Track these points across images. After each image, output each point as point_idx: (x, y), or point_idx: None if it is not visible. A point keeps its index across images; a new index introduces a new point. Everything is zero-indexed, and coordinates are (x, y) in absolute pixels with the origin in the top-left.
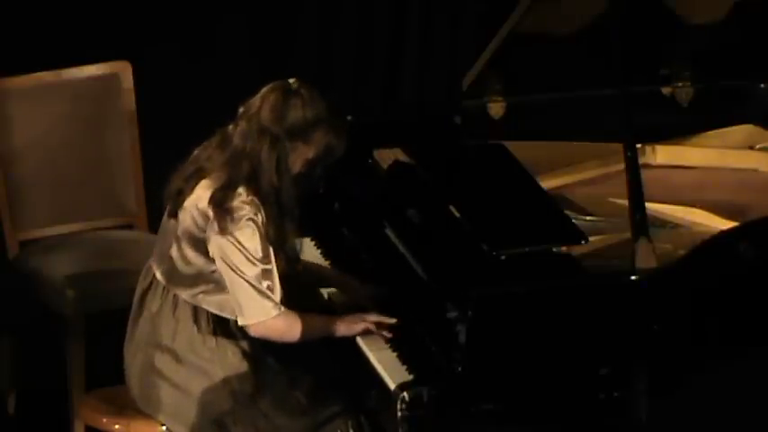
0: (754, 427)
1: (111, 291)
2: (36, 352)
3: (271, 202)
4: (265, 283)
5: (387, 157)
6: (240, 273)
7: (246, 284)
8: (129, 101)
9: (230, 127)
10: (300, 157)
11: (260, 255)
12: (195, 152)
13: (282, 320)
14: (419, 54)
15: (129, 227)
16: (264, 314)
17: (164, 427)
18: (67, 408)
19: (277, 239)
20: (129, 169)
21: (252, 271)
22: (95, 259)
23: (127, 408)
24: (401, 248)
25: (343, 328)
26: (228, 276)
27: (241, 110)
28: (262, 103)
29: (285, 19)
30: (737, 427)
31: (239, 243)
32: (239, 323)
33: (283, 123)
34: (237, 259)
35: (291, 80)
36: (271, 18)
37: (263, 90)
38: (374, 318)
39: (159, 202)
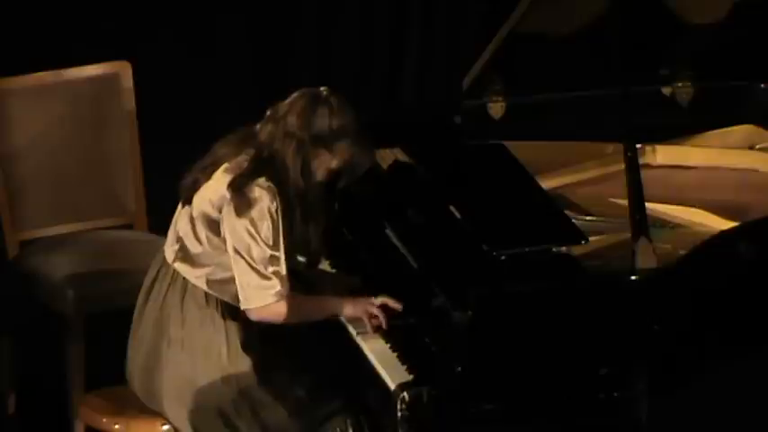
0: (754, 427)
1: (111, 291)
2: (36, 352)
3: (296, 205)
4: (271, 269)
5: (387, 157)
6: (247, 256)
7: (251, 268)
8: (129, 101)
9: (256, 126)
10: (323, 164)
11: (270, 241)
12: (214, 147)
13: (284, 306)
14: (419, 54)
15: (129, 227)
16: (265, 299)
17: (164, 427)
18: (67, 408)
19: (302, 241)
20: (129, 169)
21: (260, 255)
22: (95, 259)
23: (127, 408)
24: (401, 248)
25: (350, 309)
26: (235, 258)
27: (269, 112)
28: (290, 107)
29: (285, 19)
30: (737, 427)
31: (252, 226)
32: (241, 307)
33: (309, 129)
34: (247, 242)
35: (323, 88)
36: (271, 18)
37: (294, 95)
38: (380, 301)
39: (159, 203)
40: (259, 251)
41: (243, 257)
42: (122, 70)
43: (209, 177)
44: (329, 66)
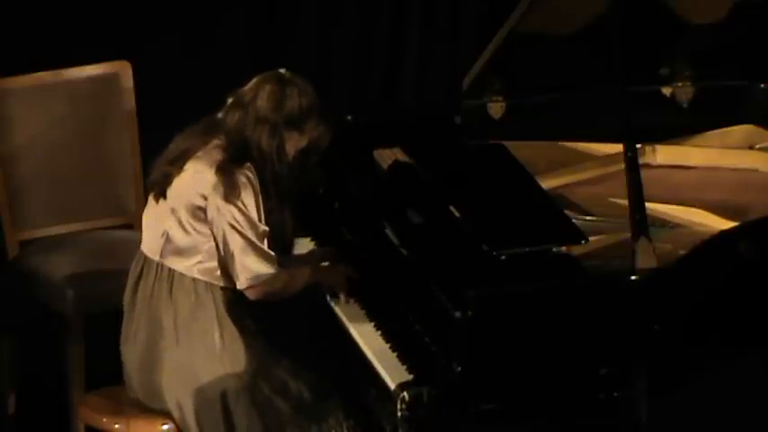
0: (754, 427)
1: (111, 291)
2: (36, 352)
3: (272, 190)
4: (266, 244)
5: (387, 157)
6: (247, 235)
7: (249, 246)
8: (129, 101)
9: (218, 115)
10: (294, 146)
11: (259, 219)
12: (176, 139)
13: (279, 281)
14: (419, 54)
15: (129, 227)
16: (263, 276)
17: (164, 427)
18: (67, 408)
19: (279, 226)
20: (129, 169)
21: (256, 232)
22: (95, 259)
23: (126, 407)
24: (401, 248)
25: (328, 274)
26: (231, 239)
27: (230, 100)
28: (257, 92)
29: (285, 19)
30: (737, 427)
31: (244, 206)
32: (238, 287)
33: (281, 112)
34: (242, 222)
35: (282, 70)
36: (270, 18)
37: (255, 80)
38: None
39: None
40: (255, 228)
41: (241, 236)
42: (122, 70)
43: (180, 169)
44: (329, 66)
